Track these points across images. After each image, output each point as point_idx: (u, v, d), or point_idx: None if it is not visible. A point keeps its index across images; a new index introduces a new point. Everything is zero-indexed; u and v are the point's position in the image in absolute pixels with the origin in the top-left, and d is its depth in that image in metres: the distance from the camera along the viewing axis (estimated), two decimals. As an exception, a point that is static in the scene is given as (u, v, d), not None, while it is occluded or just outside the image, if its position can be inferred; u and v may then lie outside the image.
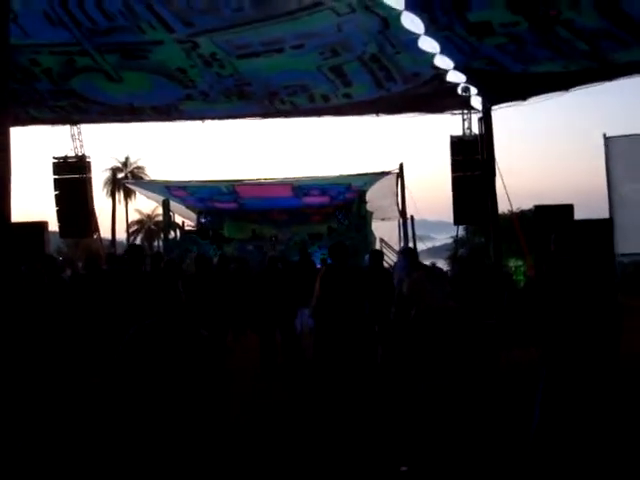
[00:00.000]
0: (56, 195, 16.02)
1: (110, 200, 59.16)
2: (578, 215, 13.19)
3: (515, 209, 16.28)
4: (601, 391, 4.19)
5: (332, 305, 6.82)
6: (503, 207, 15.16)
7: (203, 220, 23.52)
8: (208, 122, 14.43)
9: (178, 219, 23.98)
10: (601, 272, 4.90)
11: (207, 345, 3.84)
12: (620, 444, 4.33)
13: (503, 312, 6.06)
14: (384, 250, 18.99)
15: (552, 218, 12.95)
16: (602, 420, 4.17)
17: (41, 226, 15.27)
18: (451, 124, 29.75)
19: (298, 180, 20.18)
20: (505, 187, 13.63)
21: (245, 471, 5.13)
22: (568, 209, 13.20)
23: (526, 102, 12.33)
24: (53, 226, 16.26)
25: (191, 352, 3.75)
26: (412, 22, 9.36)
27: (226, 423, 4.20)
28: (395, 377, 5.78)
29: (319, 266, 13.57)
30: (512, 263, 22.33)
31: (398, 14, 9.16)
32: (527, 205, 20.14)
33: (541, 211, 13.51)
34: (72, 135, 16.09)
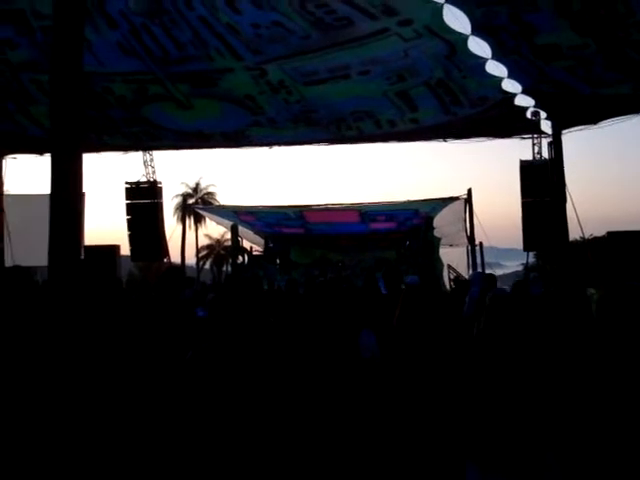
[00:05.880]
0: (128, 219, 16.48)
1: (180, 225, 60.76)
2: (653, 242, 12.81)
3: (587, 235, 15.86)
4: None
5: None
6: (574, 233, 14.80)
7: (271, 245, 23.77)
8: (275, 148, 14.58)
9: (246, 244, 24.24)
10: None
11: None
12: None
13: None
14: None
15: (625, 245, 12.61)
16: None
17: (113, 249, 15.72)
18: (521, 148, 29.47)
19: (365, 206, 20.18)
20: (576, 213, 13.31)
21: None
22: (642, 235, 12.85)
23: (597, 125, 12.04)
24: (125, 250, 16.71)
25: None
26: (479, 46, 9.31)
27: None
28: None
29: (384, 292, 13.47)
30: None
31: (465, 39, 9.15)
32: (600, 231, 19.66)
33: (614, 238, 13.17)
34: (144, 161, 16.55)
